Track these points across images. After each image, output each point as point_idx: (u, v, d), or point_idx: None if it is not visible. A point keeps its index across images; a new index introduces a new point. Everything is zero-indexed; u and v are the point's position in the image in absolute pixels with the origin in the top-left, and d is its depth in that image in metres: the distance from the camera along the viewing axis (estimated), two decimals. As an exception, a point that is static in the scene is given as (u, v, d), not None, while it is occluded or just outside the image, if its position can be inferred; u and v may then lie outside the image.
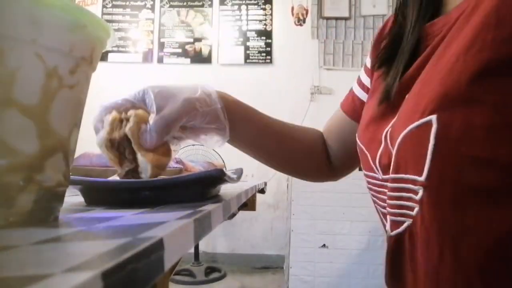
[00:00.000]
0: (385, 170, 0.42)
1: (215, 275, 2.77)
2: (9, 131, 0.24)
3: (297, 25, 3.17)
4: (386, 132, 0.42)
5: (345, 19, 3.17)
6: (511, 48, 0.31)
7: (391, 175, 0.39)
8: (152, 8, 3.33)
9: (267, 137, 0.59)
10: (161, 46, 3.30)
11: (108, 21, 3.18)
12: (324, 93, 3.12)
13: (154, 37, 3.31)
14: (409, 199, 0.37)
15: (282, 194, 2.89)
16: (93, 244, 0.21)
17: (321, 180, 0.69)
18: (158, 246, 0.20)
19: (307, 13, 3.16)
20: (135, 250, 0.17)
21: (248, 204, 1.17)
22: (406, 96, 0.40)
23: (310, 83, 3.14)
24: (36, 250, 0.18)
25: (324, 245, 2.13)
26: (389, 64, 0.48)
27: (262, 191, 1.13)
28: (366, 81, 0.59)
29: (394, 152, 0.39)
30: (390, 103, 0.44)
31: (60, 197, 0.29)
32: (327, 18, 3.18)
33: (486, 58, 0.32)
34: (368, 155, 0.46)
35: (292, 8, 3.15)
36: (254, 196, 1.17)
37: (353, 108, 0.61)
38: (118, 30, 3.26)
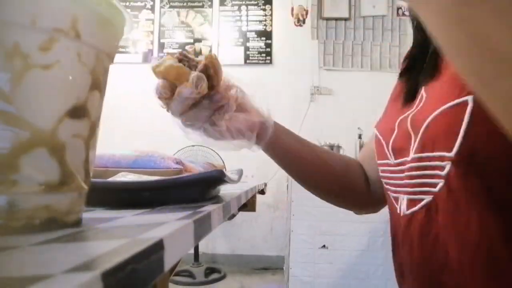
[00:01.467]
0: (397, 154, 0.46)
1: (215, 276, 2.76)
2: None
3: (297, 25, 3.16)
4: (401, 120, 0.46)
5: (345, 19, 3.17)
6: None
7: (414, 155, 0.42)
8: (152, 9, 3.33)
9: (309, 164, 0.61)
10: (161, 46, 3.30)
11: (108, 21, 3.17)
12: (324, 93, 3.12)
13: (154, 38, 3.31)
14: (432, 176, 0.40)
15: (282, 194, 2.88)
16: (93, 245, 0.21)
17: (365, 210, 0.68)
18: (158, 246, 0.20)
19: (307, 14, 3.16)
20: (135, 250, 0.17)
21: (248, 205, 1.17)
22: (429, 87, 0.43)
23: (310, 83, 3.14)
24: (36, 250, 0.18)
25: (324, 246, 2.13)
26: (411, 72, 0.52)
27: (262, 192, 1.13)
28: None
29: (420, 133, 0.41)
30: (405, 95, 0.48)
31: (57, 199, 0.25)
32: (327, 19, 3.18)
33: None
34: (384, 143, 0.50)
35: (292, 9, 3.15)
36: (254, 197, 1.17)
37: None
38: (118, 30, 3.26)
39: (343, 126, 2.91)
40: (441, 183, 0.39)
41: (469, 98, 0.36)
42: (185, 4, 3.31)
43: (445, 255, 0.40)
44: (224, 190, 0.59)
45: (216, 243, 3.15)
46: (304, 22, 3.16)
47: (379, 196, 0.63)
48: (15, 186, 0.22)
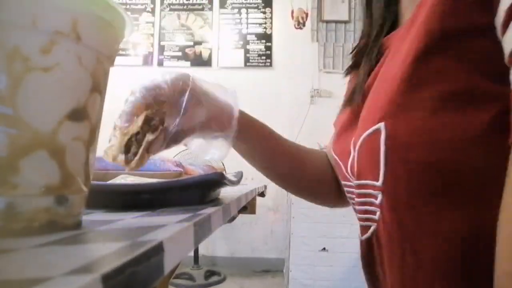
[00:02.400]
0: (355, 177, 0.44)
1: (214, 278, 2.76)
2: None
3: (297, 28, 3.17)
4: (353, 141, 0.44)
5: (345, 22, 3.18)
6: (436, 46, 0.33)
7: (355, 181, 0.41)
8: (152, 12, 3.34)
9: (279, 156, 0.58)
10: (161, 49, 3.30)
11: (109, 24, 3.18)
12: (323, 96, 3.12)
13: (154, 41, 3.32)
14: (371, 203, 0.38)
15: (282, 197, 2.88)
16: (93, 247, 0.21)
17: (332, 205, 0.66)
18: (158, 249, 0.20)
19: (307, 17, 3.16)
20: (135, 253, 0.17)
21: (248, 207, 1.17)
22: (364, 106, 0.43)
23: (309, 86, 3.14)
24: (36, 253, 0.18)
25: (324, 249, 2.13)
26: (357, 68, 0.51)
27: (262, 194, 1.13)
28: None
29: (355, 160, 0.41)
30: (357, 111, 0.46)
31: (58, 203, 0.24)
32: (327, 22, 3.19)
33: (424, 67, 0.33)
34: (342, 165, 0.47)
35: (292, 12, 3.16)
36: (254, 199, 1.17)
37: None
38: (118, 33, 3.26)
39: (343, 129, 2.91)
40: (378, 211, 0.37)
41: (381, 126, 0.35)
42: (185, 7, 3.32)
43: None
44: (224, 192, 0.59)
45: (216, 245, 3.15)
46: (304, 25, 3.16)
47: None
48: (15, 189, 0.22)
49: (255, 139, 0.55)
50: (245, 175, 0.70)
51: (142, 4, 3.35)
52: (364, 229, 0.41)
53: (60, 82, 0.24)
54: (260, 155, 0.57)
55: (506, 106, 0.29)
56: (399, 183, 0.34)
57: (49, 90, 0.23)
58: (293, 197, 2.18)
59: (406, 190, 0.34)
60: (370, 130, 0.36)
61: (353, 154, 0.43)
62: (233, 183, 0.47)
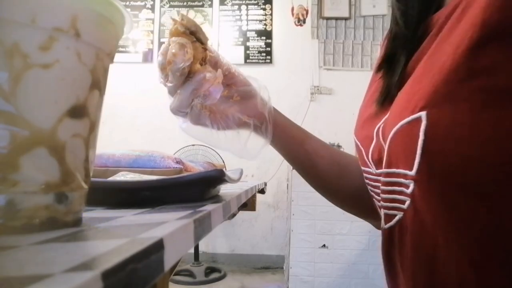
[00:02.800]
0: (378, 165, 0.43)
1: (215, 275, 2.77)
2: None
3: (297, 25, 3.16)
4: (378, 128, 0.44)
5: (345, 19, 3.17)
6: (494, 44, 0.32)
7: (384, 170, 0.41)
8: (152, 8, 3.33)
9: (317, 159, 0.58)
10: (161, 46, 3.30)
11: (108, 21, 3.17)
12: (324, 93, 3.12)
13: (154, 37, 3.31)
14: (400, 192, 0.38)
15: (282, 194, 2.89)
16: (93, 244, 0.21)
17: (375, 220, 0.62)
18: (158, 246, 0.20)
19: (307, 13, 3.15)
20: (135, 250, 0.17)
21: (248, 204, 1.17)
22: (398, 94, 0.41)
23: (310, 83, 3.14)
24: (36, 250, 0.18)
25: (324, 245, 2.13)
26: (390, 65, 0.48)
27: (262, 191, 1.13)
28: None
29: (386, 148, 0.40)
30: (384, 102, 0.45)
31: (58, 200, 0.25)
32: (327, 18, 3.18)
33: (477, 59, 0.32)
34: (363, 151, 0.47)
35: (292, 8, 3.15)
36: (254, 196, 1.17)
37: None
38: (118, 30, 3.26)
39: (343, 126, 2.91)
40: (408, 201, 0.37)
41: (423, 115, 0.34)
42: (185, 3, 3.31)
43: (413, 279, 0.38)
44: (224, 189, 0.59)
45: (216, 242, 3.16)
46: (304, 22, 3.16)
47: None
48: (15, 186, 0.22)
49: (287, 144, 0.57)
50: (245, 172, 0.70)
51: (142, 1, 3.34)
52: (388, 217, 0.41)
53: (59, 79, 0.23)
54: (295, 158, 0.58)
55: None
56: (435, 174, 0.34)
57: (49, 87, 0.23)
58: (293, 194, 2.18)
59: (442, 182, 0.34)
60: (409, 118, 0.35)
61: (375, 141, 0.44)
62: (233, 180, 0.47)
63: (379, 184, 0.43)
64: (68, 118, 0.24)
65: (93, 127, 0.27)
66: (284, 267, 2.45)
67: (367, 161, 0.46)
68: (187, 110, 0.47)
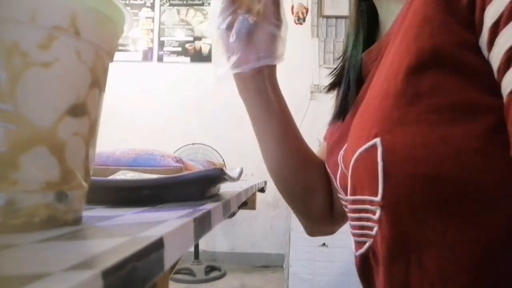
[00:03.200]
0: (345, 192, 0.44)
1: (215, 273, 2.77)
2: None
3: (297, 23, 3.16)
4: (340, 156, 0.45)
5: (345, 17, 3.16)
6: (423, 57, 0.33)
7: (349, 197, 0.41)
8: (152, 7, 3.33)
9: (287, 122, 0.58)
10: (161, 44, 3.29)
11: (108, 19, 3.17)
12: (324, 91, 3.11)
13: (154, 36, 3.31)
14: (368, 219, 0.38)
15: (282, 193, 2.88)
16: (93, 243, 0.21)
17: (319, 224, 0.61)
18: (158, 245, 0.20)
19: (307, 12, 3.15)
20: (135, 249, 0.17)
21: (248, 203, 1.17)
22: (353, 122, 0.42)
23: (310, 81, 3.14)
24: (36, 248, 0.18)
25: (324, 244, 2.13)
26: (339, 85, 0.52)
27: (262, 190, 1.13)
28: None
29: (349, 175, 0.40)
30: (345, 127, 0.46)
31: (58, 199, 0.24)
32: (327, 17, 3.18)
33: (417, 83, 0.33)
34: (333, 178, 0.48)
35: (292, 7, 3.15)
36: (254, 195, 1.17)
37: None
38: (118, 28, 3.26)
39: (343, 124, 2.91)
40: (375, 227, 0.37)
41: (377, 141, 0.34)
42: (185, 2, 3.30)
43: None
44: (224, 188, 0.59)
45: (216, 241, 3.16)
46: (304, 20, 3.15)
47: (339, 211, 0.57)
48: (15, 184, 0.22)
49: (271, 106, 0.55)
50: (245, 171, 0.70)
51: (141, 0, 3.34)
52: (359, 244, 0.41)
53: (59, 78, 0.23)
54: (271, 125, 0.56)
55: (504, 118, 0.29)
56: (400, 197, 0.34)
57: (49, 85, 0.23)
58: (293, 193, 2.18)
59: (408, 204, 0.34)
60: (365, 146, 0.36)
61: (340, 168, 0.45)
62: (233, 179, 0.47)
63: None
64: (68, 116, 0.24)
65: (93, 126, 0.27)
66: (284, 265, 2.45)
67: (338, 187, 0.47)
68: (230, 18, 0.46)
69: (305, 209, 0.60)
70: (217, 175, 0.42)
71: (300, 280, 2.12)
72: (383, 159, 0.34)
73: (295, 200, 0.60)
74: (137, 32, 3.30)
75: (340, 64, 0.54)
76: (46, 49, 0.22)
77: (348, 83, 0.49)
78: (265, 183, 1.20)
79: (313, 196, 0.58)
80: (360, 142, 0.37)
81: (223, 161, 2.64)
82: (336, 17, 3.18)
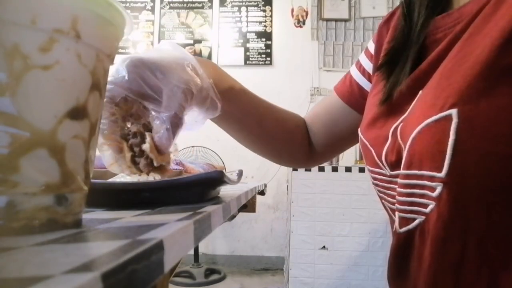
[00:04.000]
0: (394, 166, 0.41)
1: (214, 276, 2.76)
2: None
3: (297, 26, 3.17)
4: (395, 128, 0.41)
5: (345, 20, 3.17)
6: None
7: (402, 171, 0.38)
8: (152, 10, 3.34)
9: (249, 113, 0.58)
10: (161, 47, 3.30)
11: (108, 22, 3.18)
12: (324, 94, 3.12)
13: (154, 39, 3.32)
14: (422, 196, 0.36)
15: (282, 195, 2.88)
16: (93, 246, 0.21)
17: (297, 165, 0.69)
18: (158, 247, 0.20)
19: (307, 15, 3.16)
20: (135, 251, 0.17)
21: (248, 206, 1.17)
22: (420, 91, 0.39)
23: (309, 84, 3.14)
24: (36, 251, 0.18)
25: (324, 247, 2.13)
26: (392, 66, 0.47)
27: (262, 192, 1.13)
28: (367, 65, 0.57)
29: (406, 148, 0.37)
30: (396, 101, 0.43)
31: (58, 201, 0.24)
32: (327, 20, 3.19)
33: (509, 50, 0.30)
34: (373, 151, 0.44)
35: (292, 10, 3.16)
36: (254, 197, 1.17)
37: (349, 92, 0.59)
38: (118, 31, 3.26)
39: (343, 127, 2.91)
40: (431, 205, 0.35)
41: (453, 112, 0.32)
42: (185, 5, 3.31)
43: (434, 285, 0.36)
44: (224, 191, 0.59)
45: (216, 244, 3.15)
46: (304, 23, 3.16)
47: (320, 153, 0.65)
48: (15, 187, 0.22)
49: (228, 96, 0.52)
50: (245, 173, 0.70)
51: (142, 2, 3.34)
52: (405, 221, 0.39)
53: (59, 80, 0.23)
54: (231, 108, 0.54)
55: None
56: (470, 176, 0.31)
57: (49, 88, 0.23)
58: (293, 196, 2.18)
59: (477, 184, 0.31)
60: (436, 116, 0.33)
61: (391, 141, 0.41)
62: (233, 182, 0.47)
63: (395, 186, 0.40)
64: (68, 119, 0.24)
65: (93, 129, 0.27)
66: (284, 268, 2.45)
67: (379, 162, 0.43)
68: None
69: (276, 157, 0.67)
70: (217, 178, 0.42)
71: (300, 283, 2.12)
72: (457, 133, 0.31)
73: (263, 153, 0.66)
74: (137, 35, 3.30)
75: (397, 38, 0.48)
76: (47, 52, 0.22)
77: (407, 57, 0.44)
78: (265, 186, 1.20)
79: (284, 146, 0.63)
80: (431, 112, 0.34)
81: (223, 163, 2.64)
82: (336, 20, 3.18)
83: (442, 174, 0.33)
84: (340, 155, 2.54)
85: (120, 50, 3.23)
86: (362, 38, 3.16)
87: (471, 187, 0.32)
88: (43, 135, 0.23)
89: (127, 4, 3.33)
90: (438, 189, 0.34)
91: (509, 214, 0.31)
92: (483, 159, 0.31)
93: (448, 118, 0.32)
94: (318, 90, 3.12)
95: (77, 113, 0.25)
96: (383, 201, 0.45)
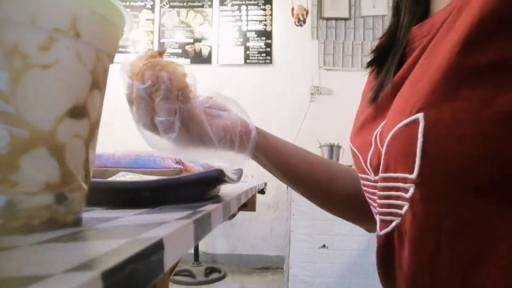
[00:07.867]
0: (376, 171, 0.43)
1: (215, 275, 2.76)
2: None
3: (297, 25, 3.16)
4: (376, 134, 0.43)
5: (345, 19, 3.17)
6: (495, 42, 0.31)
7: (380, 175, 0.40)
8: (152, 9, 3.33)
9: (304, 172, 0.59)
10: (161, 46, 3.29)
11: (108, 21, 3.17)
12: (324, 93, 3.11)
13: (154, 38, 3.31)
14: (397, 197, 0.37)
15: (282, 194, 2.88)
16: (93, 245, 0.21)
17: (365, 225, 0.66)
18: (158, 246, 0.20)
19: (307, 14, 3.15)
20: (135, 250, 0.17)
21: (248, 205, 1.17)
22: (396, 97, 0.41)
23: (310, 83, 3.14)
24: (36, 250, 0.18)
25: (324, 246, 2.13)
26: (381, 65, 0.49)
27: (262, 191, 1.13)
28: None
29: (383, 152, 0.39)
30: (381, 105, 0.45)
31: (58, 200, 0.24)
32: (327, 19, 3.18)
33: (475, 56, 0.31)
34: (360, 158, 0.46)
35: (292, 9, 3.15)
36: (254, 196, 1.17)
37: None
38: (118, 30, 3.26)
39: (343, 126, 2.90)
40: (406, 206, 0.36)
41: (420, 116, 0.33)
42: (185, 4, 3.31)
43: (413, 282, 0.37)
44: (224, 189, 0.59)
45: (216, 242, 3.15)
46: (304, 22, 3.15)
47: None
48: (15, 186, 0.22)
49: (274, 158, 0.56)
50: (245, 172, 0.70)
51: (141, 1, 3.34)
52: (384, 223, 0.40)
53: (59, 80, 0.24)
54: (282, 171, 0.58)
55: None
56: (439, 176, 0.33)
57: (49, 87, 0.23)
58: (293, 195, 2.18)
59: (446, 183, 0.33)
60: (406, 121, 0.35)
61: (374, 146, 0.43)
62: (233, 181, 0.47)
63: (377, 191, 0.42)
64: (68, 118, 0.24)
65: (93, 128, 0.27)
66: (284, 267, 2.45)
67: (365, 168, 0.45)
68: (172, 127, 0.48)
69: (352, 216, 0.65)
70: (217, 177, 0.42)
71: (300, 282, 2.12)
72: (424, 135, 0.33)
73: (340, 211, 0.65)
74: (137, 34, 3.30)
75: (385, 39, 0.51)
76: (47, 51, 0.22)
77: (393, 59, 0.47)
78: (265, 184, 1.20)
79: (354, 200, 0.60)
80: (401, 117, 0.36)
81: (223, 162, 2.64)
82: (336, 19, 3.18)
83: (414, 175, 0.34)
84: (340, 155, 2.54)
85: (120, 49, 3.23)
86: (362, 37, 3.16)
87: (441, 186, 0.33)
88: (43, 134, 0.23)
89: (127, 3, 3.32)
90: (411, 190, 0.35)
91: (478, 212, 0.32)
92: (450, 159, 0.32)
93: (416, 122, 0.34)
94: (318, 89, 3.12)
95: (77, 112, 0.25)
96: (371, 206, 0.47)
